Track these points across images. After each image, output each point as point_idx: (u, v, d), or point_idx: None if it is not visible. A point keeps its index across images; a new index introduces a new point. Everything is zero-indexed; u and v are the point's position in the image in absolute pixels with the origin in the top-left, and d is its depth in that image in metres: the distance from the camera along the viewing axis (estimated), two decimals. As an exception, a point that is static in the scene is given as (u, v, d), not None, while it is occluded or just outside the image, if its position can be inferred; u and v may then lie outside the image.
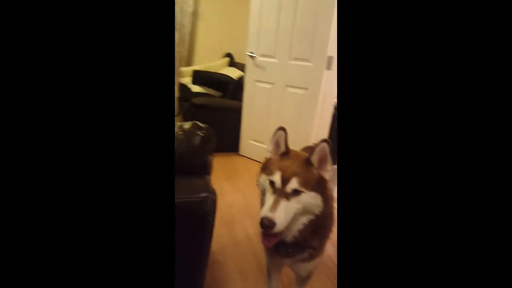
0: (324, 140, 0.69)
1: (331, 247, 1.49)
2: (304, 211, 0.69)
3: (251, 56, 2.40)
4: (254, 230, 1.65)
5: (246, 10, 2.39)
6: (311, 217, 0.70)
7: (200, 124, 0.82)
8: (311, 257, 0.79)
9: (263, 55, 2.36)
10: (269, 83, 2.38)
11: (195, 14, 3.11)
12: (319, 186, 0.68)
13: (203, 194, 0.68)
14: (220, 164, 2.43)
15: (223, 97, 2.96)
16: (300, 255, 0.77)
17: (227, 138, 2.65)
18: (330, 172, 0.70)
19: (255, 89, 2.47)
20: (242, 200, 1.96)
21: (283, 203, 0.65)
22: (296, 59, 2.20)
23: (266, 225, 0.63)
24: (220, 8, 3.17)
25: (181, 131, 0.77)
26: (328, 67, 2.03)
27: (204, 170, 0.78)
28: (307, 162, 0.70)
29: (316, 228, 0.71)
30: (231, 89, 2.88)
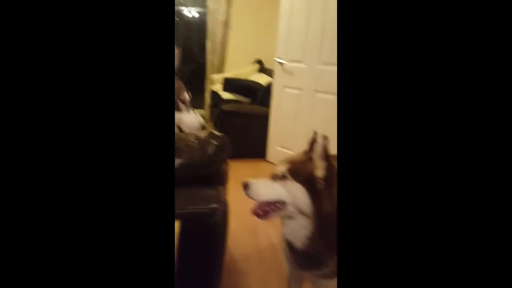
0: (323, 137, 0.67)
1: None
2: (295, 205, 0.67)
3: (280, 62, 2.38)
4: (278, 239, 1.61)
5: (276, 17, 2.39)
6: (310, 219, 0.66)
7: (216, 133, 0.81)
8: (333, 275, 0.73)
9: (291, 60, 2.33)
10: (297, 88, 2.34)
11: (226, 23, 3.18)
12: (308, 180, 0.66)
13: (213, 205, 0.67)
14: (246, 170, 2.42)
15: (252, 104, 2.97)
16: (318, 270, 0.73)
17: (255, 144, 2.65)
18: (322, 170, 0.65)
19: (283, 94, 2.44)
20: (268, 207, 1.94)
21: (268, 180, 0.69)
22: (325, 63, 2.13)
23: (243, 187, 0.68)
24: (251, 16, 3.21)
25: (196, 140, 0.77)
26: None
27: (218, 180, 0.77)
28: (308, 157, 0.69)
29: (324, 236, 0.66)
30: (260, 95, 2.88)
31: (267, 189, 0.68)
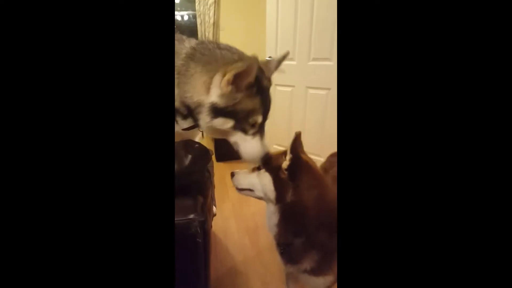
0: (296, 132, 0.74)
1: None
2: (263, 191, 0.77)
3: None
4: None
5: (264, 16, 2.37)
6: (276, 206, 0.75)
7: (193, 142, 0.82)
8: (315, 272, 0.77)
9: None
10: (289, 86, 2.32)
11: (216, 25, 3.18)
12: (274, 170, 0.75)
13: (190, 216, 0.67)
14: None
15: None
16: (296, 265, 0.79)
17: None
18: (287, 162, 0.73)
19: (275, 93, 2.42)
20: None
21: (248, 171, 0.82)
22: (315, 59, 2.11)
23: (231, 176, 0.84)
24: (240, 16, 3.20)
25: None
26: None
27: (196, 190, 0.77)
28: (284, 151, 0.77)
29: (289, 224, 0.74)
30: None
31: (244, 178, 0.80)
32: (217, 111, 0.74)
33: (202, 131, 0.96)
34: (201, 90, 0.75)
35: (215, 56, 0.77)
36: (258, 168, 0.79)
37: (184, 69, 0.77)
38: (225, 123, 0.75)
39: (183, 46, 0.82)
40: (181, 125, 0.87)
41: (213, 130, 0.79)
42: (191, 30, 3.57)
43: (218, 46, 0.80)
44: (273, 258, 1.46)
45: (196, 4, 3.17)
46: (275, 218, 0.75)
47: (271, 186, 0.74)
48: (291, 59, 2.24)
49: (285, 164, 0.72)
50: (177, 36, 0.86)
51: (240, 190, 0.83)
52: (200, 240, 0.69)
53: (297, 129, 0.76)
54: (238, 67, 0.70)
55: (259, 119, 0.78)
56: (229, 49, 0.81)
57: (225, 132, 0.79)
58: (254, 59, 0.72)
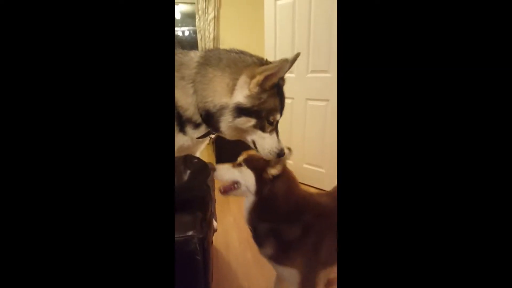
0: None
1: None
2: (246, 185, 0.84)
3: (269, 74, 2.40)
4: None
5: (263, 31, 2.42)
6: (253, 197, 0.84)
7: (192, 157, 0.82)
8: (277, 260, 0.86)
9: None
10: (289, 98, 2.34)
11: (216, 39, 3.24)
12: (257, 169, 0.82)
13: (189, 233, 0.67)
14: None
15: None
16: (260, 248, 0.88)
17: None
18: (276, 170, 0.82)
19: (275, 105, 2.44)
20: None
21: (230, 166, 0.87)
22: (313, 71, 2.13)
23: (212, 170, 0.89)
24: (238, 32, 3.27)
25: (171, 167, 0.77)
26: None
27: (196, 205, 0.77)
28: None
29: (258, 211, 0.84)
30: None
31: (226, 172, 0.86)
32: (241, 111, 0.78)
33: (211, 137, 1.01)
34: (223, 92, 0.79)
35: (234, 59, 0.81)
36: (239, 165, 0.85)
37: (200, 76, 0.81)
38: (247, 122, 0.80)
39: (189, 57, 0.85)
40: (191, 134, 0.90)
41: (233, 130, 0.84)
42: (191, 45, 3.64)
43: (230, 50, 0.85)
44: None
45: (196, 20, 3.23)
46: (249, 206, 0.85)
47: (253, 182, 0.82)
48: (290, 72, 2.26)
49: (274, 171, 0.82)
50: (178, 50, 0.90)
51: (224, 191, 0.88)
52: (199, 258, 0.68)
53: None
54: (269, 68, 0.75)
55: (278, 116, 0.84)
56: (242, 52, 0.85)
57: (244, 132, 0.84)
58: (285, 60, 0.77)
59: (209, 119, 0.83)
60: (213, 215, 1.45)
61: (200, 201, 0.79)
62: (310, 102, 2.22)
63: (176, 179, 0.74)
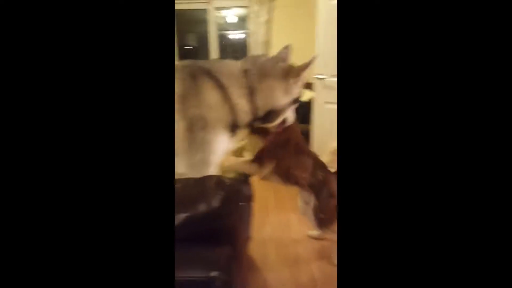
0: None
1: None
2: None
3: (319, 78, 2.24)
4: (321, 273, 1.41)
5: (313, 34, 2.30)
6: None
7: (226, 179, 0.71)
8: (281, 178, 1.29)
9: (332, 75, 2.17)
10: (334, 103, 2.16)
11: (267, 43, 3.18)
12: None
13: (212, 274, 0.56)
14: (287, 192, 2.26)
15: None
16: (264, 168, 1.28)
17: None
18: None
19: (324, 111, 2.28)
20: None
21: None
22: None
23: None
24: (290, 34, 3.19)
25: (199, 187, 0.68)
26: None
27: (224, 237, 0.66)
28: None
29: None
30: (302, 112, 2.76)
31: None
32: (295, 103, 1.11)
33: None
34: (280, 94, 1.06)
35: (276, 66, 1.06)
36: None
37: (257, 83, 1.01)
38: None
39: (235, 67, 1.05)
40: (223, 142, 1.02)
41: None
42: (243, 48, 3.66)
43: (264, 57, 1.13)
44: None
45: (249, 23, 3.23)
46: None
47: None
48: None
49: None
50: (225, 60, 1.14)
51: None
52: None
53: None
54: (304, 67, 1.08)
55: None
56: (271, 56, 1.15)
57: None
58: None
59: (267, 117, 1.11)
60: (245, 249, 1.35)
61: (230, 232, 0.69)
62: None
63: (205, 204, 0.64)
